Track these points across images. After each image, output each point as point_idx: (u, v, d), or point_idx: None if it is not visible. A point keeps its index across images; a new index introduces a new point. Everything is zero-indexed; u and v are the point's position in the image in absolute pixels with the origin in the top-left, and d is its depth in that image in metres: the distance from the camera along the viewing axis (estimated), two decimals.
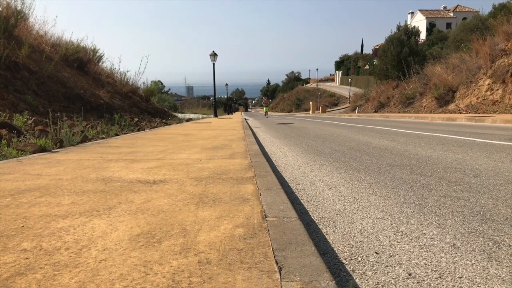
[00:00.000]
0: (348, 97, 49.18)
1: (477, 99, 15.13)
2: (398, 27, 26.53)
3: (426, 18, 58.67)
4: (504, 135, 6.73)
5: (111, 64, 17.48)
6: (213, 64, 24.88)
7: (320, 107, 40.62)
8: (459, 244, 1.70)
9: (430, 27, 53.32)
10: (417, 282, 1.36)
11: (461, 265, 1.49)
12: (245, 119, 20.81)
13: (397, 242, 1.76)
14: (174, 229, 1.65)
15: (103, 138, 6.87)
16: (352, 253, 1.65)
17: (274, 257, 1.33)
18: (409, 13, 64.94)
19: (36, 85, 8.93)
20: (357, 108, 29.66)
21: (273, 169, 3.66)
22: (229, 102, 61.84)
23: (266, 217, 1.82)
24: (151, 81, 19.83)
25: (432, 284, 1.34)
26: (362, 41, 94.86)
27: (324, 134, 8.39)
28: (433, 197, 2.53)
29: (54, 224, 1.74)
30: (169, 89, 58.28)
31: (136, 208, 2.00)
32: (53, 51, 11.47)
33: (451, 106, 16.52)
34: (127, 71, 16.84)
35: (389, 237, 1.82)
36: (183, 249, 1.42)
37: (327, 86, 76.94)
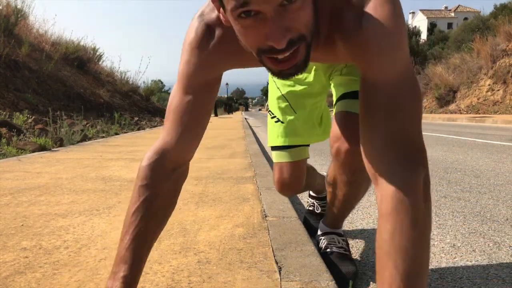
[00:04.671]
0: None
1: (477, 99, 15.13)
2: None
3: (427, 18, 58.62)
4: (504, 135, 6.73)
5: (111, 63, 17.51)
6: None
7: None
8: (459, 245, 1.70)
9: (431, 27, 53.18)
10: None
11: (461, 265, 1.49)
12: (246, 118, 20.81)
13: None
14: (173, 228, 1.64)
15: (103, 137, 6.87)
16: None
17: (274, 256, 1.33)
18: (410, 13, 64.85)
19: (36, 84, 8.93)
20: None
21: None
22: (229, 102, 61.81)
23: (266, 216, 1.82)
24: (151, 80, 19.83)
25: (432, 285, 1.34)
26: None
27: None
28: (434, 197, 2.52)
29: (54, 223, 1.74)
30: (170, 88, 58.23)
31: None
32: (53, 50, 11.46)
33: (452, 107, 16.51)
34: (127, 71, 16.88)
35: None
36: (183, 249, 1.41)
37: None
